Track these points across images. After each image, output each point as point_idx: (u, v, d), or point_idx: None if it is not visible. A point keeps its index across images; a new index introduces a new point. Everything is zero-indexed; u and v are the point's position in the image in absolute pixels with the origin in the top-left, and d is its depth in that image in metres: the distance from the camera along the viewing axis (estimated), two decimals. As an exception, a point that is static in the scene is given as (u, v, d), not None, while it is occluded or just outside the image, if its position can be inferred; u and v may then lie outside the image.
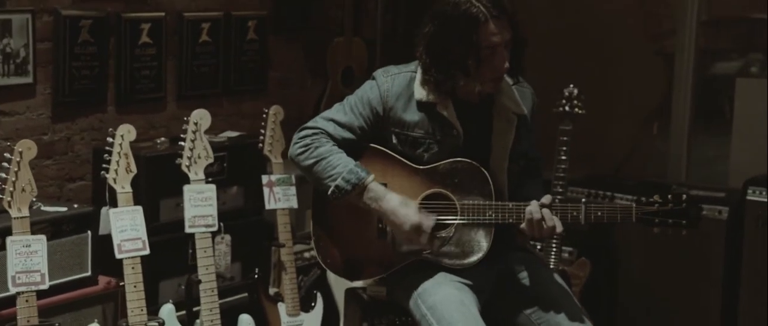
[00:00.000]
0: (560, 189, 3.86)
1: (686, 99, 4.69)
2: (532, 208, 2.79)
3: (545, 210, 2.79)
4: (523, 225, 2.81)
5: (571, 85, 3.95)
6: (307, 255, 4.12)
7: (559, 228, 2.81)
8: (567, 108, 3.93)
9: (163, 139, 4.03)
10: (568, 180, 3.93)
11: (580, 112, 3.93)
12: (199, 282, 3.38)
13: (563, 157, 3.90)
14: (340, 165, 2.83)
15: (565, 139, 3.92)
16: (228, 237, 3.77)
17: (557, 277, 2.99)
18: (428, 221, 2.80)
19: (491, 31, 2.74)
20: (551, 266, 3.87)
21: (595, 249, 4.22)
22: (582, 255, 4.13)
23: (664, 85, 4.81)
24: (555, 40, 4.90)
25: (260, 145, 3.83)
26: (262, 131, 3.83)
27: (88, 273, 3.46)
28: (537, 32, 4.94)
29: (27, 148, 2.93)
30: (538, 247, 3.94)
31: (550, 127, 3.84)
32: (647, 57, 4.95)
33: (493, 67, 2.77)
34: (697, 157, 4.74)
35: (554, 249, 3.92)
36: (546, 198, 2.82)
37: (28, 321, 2.87)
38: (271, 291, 3.85)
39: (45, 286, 2.92)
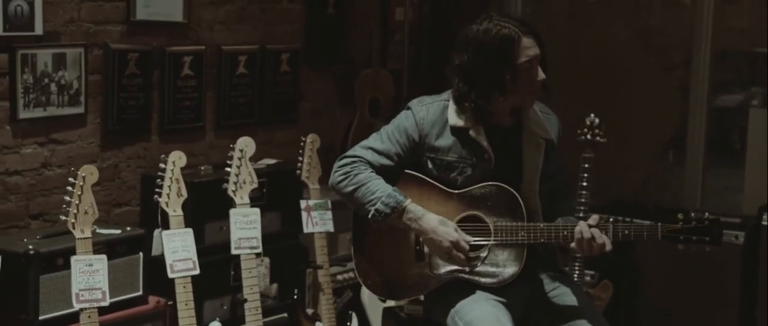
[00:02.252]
0: (582, 216, 4.00)
1: (700, 129, 4.85)
2: (582, 228, 2.93)
3: (594, 229, 2.93)
4: (572, 244, 2.95)
5: (592, 115, 4.09)
6: (340, 277, 4.28)
7: (609, 246, 2.94)
8: (589, 136, 4.07)
9: (207, 166, 4.21)
10: (590, 206, 4.07)
11: (601, 140, 4.07)
12: (245, 301, 3.54)
13: (585, 184, 4.04)
14: (379, 191, 2.99)
15: (587, 166, 4.06)
16: (267, 260, 3.93)
17: (587, 297, 3.13)
18: (466, 238, 2.97)
19: (525, 46, 2.93)
20: (575, 288, 4.00)
21: (616, 271, 4.35)
22: (604, 278, 4.28)
23: (679, 114, 4.97)
24: (574, 70, 5.06)
25: (298, 171, 4.00)
26: (300, 158, 4.00)
27: (140, 293, 3.62)
28: (558, 63, 5.15)
29: (89, 173, 3.10)
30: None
31: (572, 154, 4.00)
32: (662, 87, 5.11)
33: (531, 81, 2.95)
34: (710, 186, 4.89)
35: (577, 272, 4.06)
36: (593, 219, 2.96)
37: (90, 336, 3.04)
38: (309, 311, 4.01)
39: (106, 303, 3.08)
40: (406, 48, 5.21)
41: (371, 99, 5.02)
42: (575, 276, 4.04)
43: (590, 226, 2.93)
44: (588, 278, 4.26)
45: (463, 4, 5.23)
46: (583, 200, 4.01)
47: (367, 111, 4.98)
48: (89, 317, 3.04)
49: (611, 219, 3.05)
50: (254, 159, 4.37)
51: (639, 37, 5.15)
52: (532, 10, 5.34)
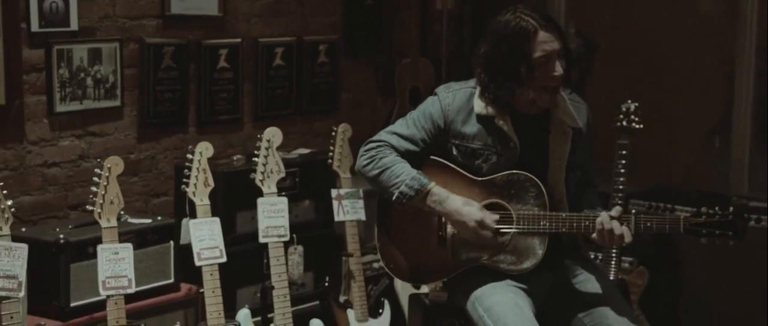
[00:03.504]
0: (619, 202, 3.96)
1: (746, 114, 4.77)
2: (603, 219, 2.92)
3: (615, 222, 2.91)
4: (593, 235, 2.94)
5: (629, 101, 4.05)
6: (376, 265, 4.31)
7: (628, 238, 2.92)
8: (624, 123, 4.03)
9: (239, 156, 4.28)
10: (627, 193, 4.03)
11: (637, 126, 4.02)
12: (273, 288, 3.59)
13: (622, 171, 4.00)
14: (404, 174, 3.01)
15: (623, 153, 4.02)
16: (300, 248, 3.98)
17: (611, 284, 3.12)
18: (492, 216, 2.96)
19: (542, 40, 2.92)
20: (611, 275, 3.98)
21: (657, 258, 4.31)
22: (641, 265, 4.24)
23: (725, 100, 4.89)
24: (620, 58, 5.02)
25: (330, 161, 4.05)
26: (331, 148, 4.04)
27: (171, 281, 3.71)
28: (603, 50, 5.10)
29: (114, 164, 3.18)
30: (599, 258, 4.06)
31: (612, 141, 3.96)
32: (709, 73, 5.03)
33: (547, 76, 2.93)
34: (759, 170, 4.80)
35: (614, 259, 4.04)
36: (615, 211, 2.95)
37: (117, 322, 3.10)
38: (341, 298, 4.05)
39: (131, 290, 3.15)
40: (444, 36, 5.21)
41: (412, 88, 5.04)
42: (612, 262, 4.02)
43: (611, 218, 2.91)
44: (626, 265, 4.23)
45: (505, -8, 5.21)
46: (619, 187, 3.98)
47: (408, 100, 5.00)
48: (116, 303, 3.12)
49: (634, 211, 3.02)
50: (291, 148, 4.46)
51: (685, 25, 5.07)
52: (576, -2, 5.30)
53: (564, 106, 3.08)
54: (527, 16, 2.93)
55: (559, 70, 2.94)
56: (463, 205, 2.97)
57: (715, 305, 4.34)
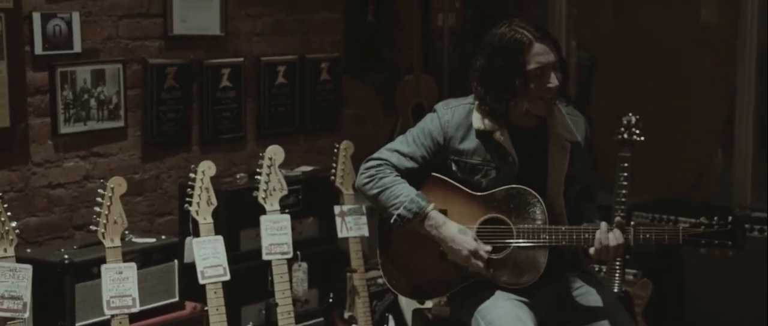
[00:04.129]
0: (621, 214, 3.97)
1: (748, 124, 4.78)
2: (600, 236, 2.93)
3: (611, 234, 2.94)
4: (592, 249, 2.96)
5: (630, 114, 4.07)
6: (380, 281, 4.31)
7: (630, 243, 2.94)
8: (626, 135, 4.05)
9: (242, 174, 4.31)
10: (630, 205, 4.03)
11: (638, 139, 4.04)
12: (277, 305, 3.61)
13: (624, 183, 4.00)
14: (403, 195, 3.03)
15: (624, 165, 4.04)
16: (304, 265, 4.01)
17: (612, 296, 3.13)
18: (484, 247, 3.00)
19: (537, 52, 2.94)
20: (615, 288, 3.99)
21: (660, 270, 4.31)
22: (645, 277, 4.24)
23: (727, 111, 4.90)
24: (622, 69, 5.03)
25: (332, 178, 4.08)
26: (334, 165, 4.07)
27: (176, 299, 3.74)
28: (605, 61, 5.12)
29: (118, 184, 3.21)
30: (603, 270, 4.07)
31: (614, 153, 3.98)
32: (711, 83, 5.05)
33: (542, 88, 2.95)
34: (762, 181, 4.80)
35: (618, 271, 4.04)
36: (614, 225, 2.96)
37: (122, 341, 3.15)
38: (346, 314, 4.07)
39: (136, 309, 3.18)
40: (446, 53, 5.24)
41: (414, 105, 5.06)
42: (616, 274, 4.03)
43: (608, 230, 2.93)
44: (630, 277, 4.23)
45: (507, 8, 5.24)
46: (621, 199, 3.99)
47: (411, 117, 5.02)
48: (120, 323, 3.14)
49: (633, 223, 3.03)
50: (294, 166, 4.49)
51: (687, 34, 5.09)
52: (578, 11, 5.32)
53: (562, 119, 3.10)
54: (522, 29, 2.96)
55: (554, 81, 2.96)
56: (457, 233, 3.00)
57: (718, 316, 4.34)
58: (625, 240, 2.97)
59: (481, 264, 2.98)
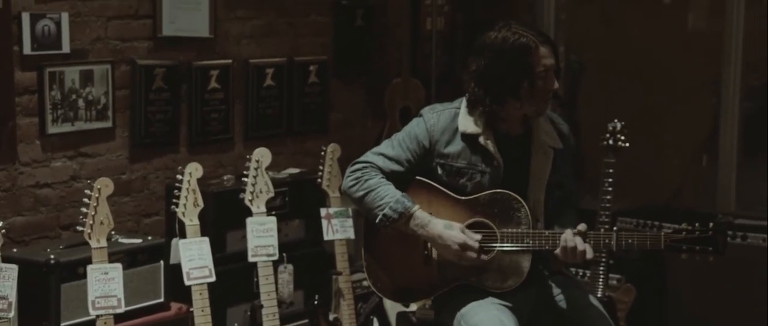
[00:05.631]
0: (606, 219, 4.00)
1: (733, 132, 4.81)
2: (567, 236, 2.98)
3: (578, 238, 2.97)
4: (557, 251, 2.99)
5: (616, 120, 4.09)
6: (365, 283, 4.33)
7: (589, 255, 2.98)
8: (611, 142, 4.07)
9: (229, 176, 4.33)
10: (615, 210, 4.05)
11: (623, 145, 4.06)
12: (262, 307, 3.63)
13: (609, 189, 4.03)
14: (388, 196, 3.06)
15: (610, 171, 4.06)
16: (290, 267, 4.02)
17: (593, 300, 3.15)
18: (473, 238, 3.01)
19: (542, 55, 2.99)
20: (598, 293, 4.01)
21: (645, 275, 4.34)
22: (628, 282, 4.27)
23: (712, 118, 4.93)
24: (610, 75, 5.06)
25: (319, 180, 4.09)
26: (321, 168, 4.09)
27: (161, 300, 3.75)
28: (593, 68, 5.15)
29: (104, 185, 3.24)
30: (586, 275, 4.09)
31: (599, 159, 4.00)
32: (697, 91, 5.08)
33: (546, 89, 3.01)
34: (746, 188, 4.84)
35: (601, 276, 4.07)
36: (582, 226, 3.00)
37: (106, 342, 3.16)
38: (331, 316, 4.08)
39: (121, 310, 3.20)
40: (434, 57, 5.26)
41: (402, 108, 5.08)
42: (600, 279, 4.05)
43: (576, 234, 2.96)
44: (613, 282, 4.26)
45: (495, 13, 5.27)
46: (606, 205, 4.01)
47: (398, 120, 5.04)
48: (105, 323, 3.16)
49: (615, 228, 3.06)
50: (281, 168, 4.50)
51: (674, 43, 5.12)
52: (566, 16, 5.35)
53: (546, 126, 3.14)
54: (526, 32, 3.00)
55: (556, 84, 3.02)
56: (444, 229, 3.02)
57: (702, 322, 4.37)
58: (606, 245, 3.02)
59: (473, 255, 3.00)
